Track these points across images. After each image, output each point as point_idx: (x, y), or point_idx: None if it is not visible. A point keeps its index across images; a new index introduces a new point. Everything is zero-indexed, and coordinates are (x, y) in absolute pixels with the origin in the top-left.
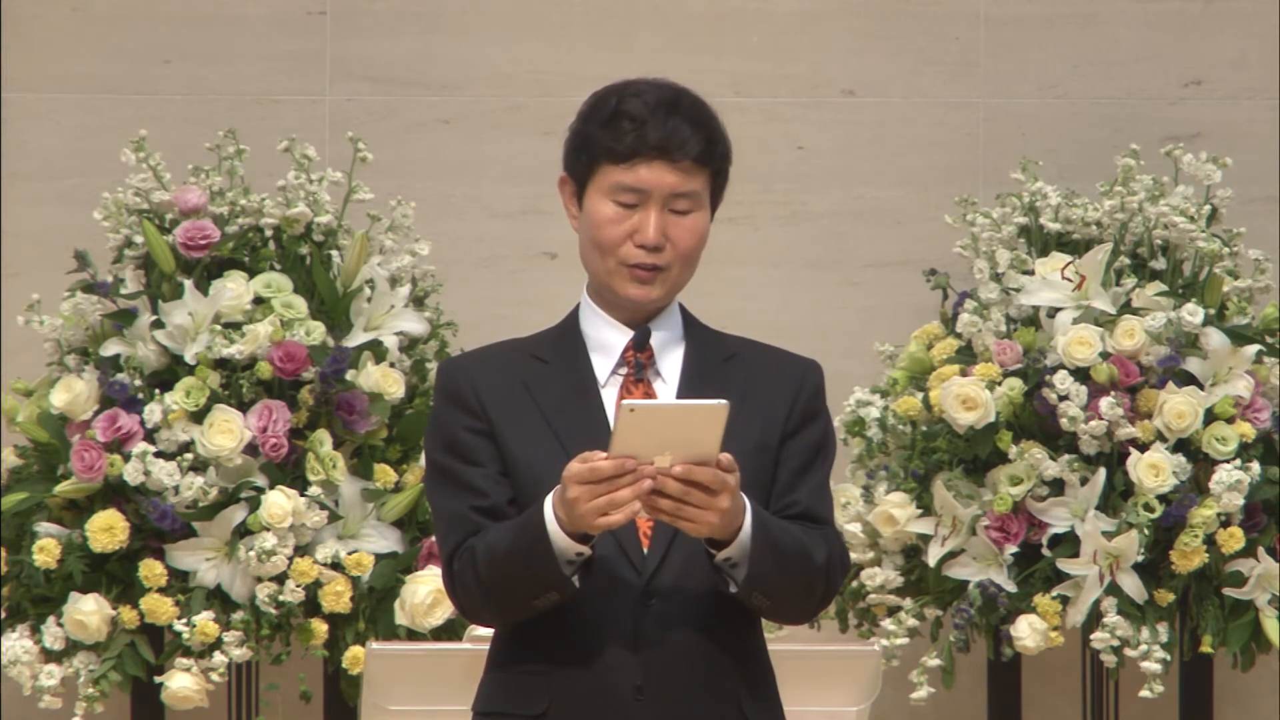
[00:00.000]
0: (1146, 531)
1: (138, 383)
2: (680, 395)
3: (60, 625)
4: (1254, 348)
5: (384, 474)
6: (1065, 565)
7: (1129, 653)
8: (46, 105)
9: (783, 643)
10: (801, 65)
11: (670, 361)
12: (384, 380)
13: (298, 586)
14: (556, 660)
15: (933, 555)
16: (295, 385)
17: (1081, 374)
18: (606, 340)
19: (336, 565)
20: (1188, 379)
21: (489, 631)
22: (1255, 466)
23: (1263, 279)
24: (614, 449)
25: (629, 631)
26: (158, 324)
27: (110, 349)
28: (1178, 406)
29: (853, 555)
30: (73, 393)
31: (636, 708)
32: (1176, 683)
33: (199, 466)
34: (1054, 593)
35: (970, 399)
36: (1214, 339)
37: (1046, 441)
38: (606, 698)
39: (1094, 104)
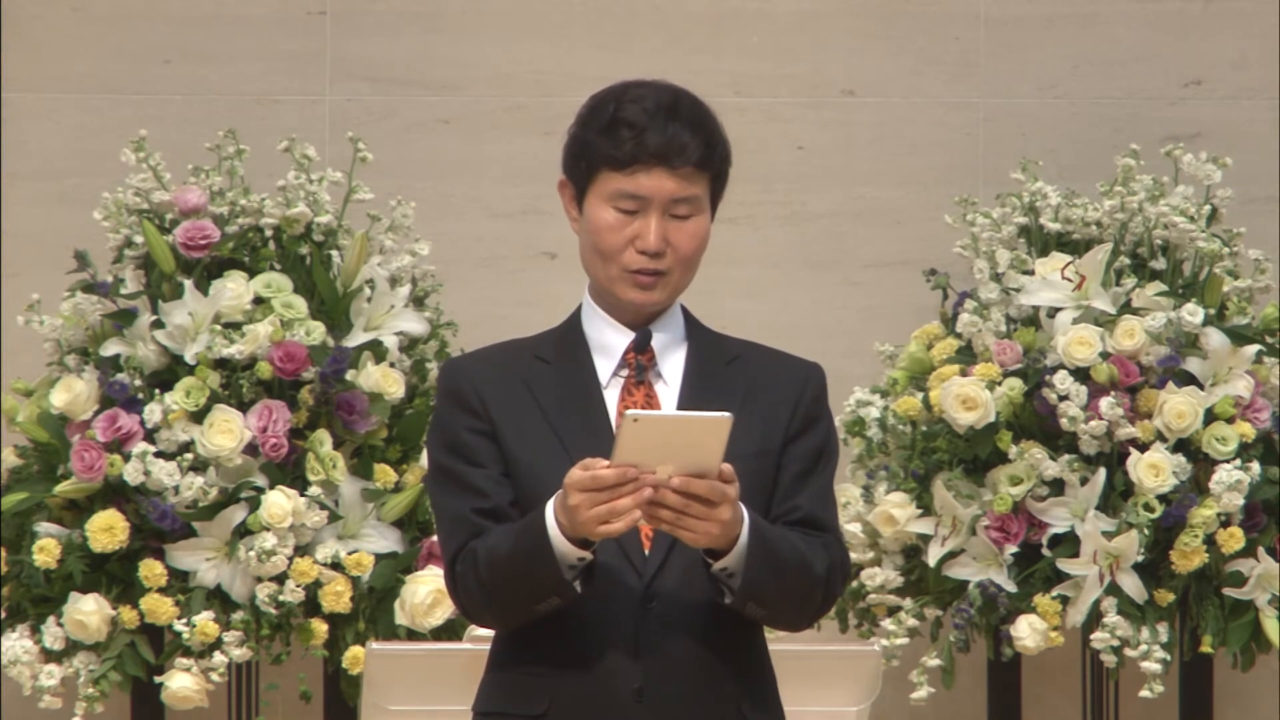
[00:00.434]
0: (1146, 531)
1: (138, 383)
2: (681, 397)
3: (60, 625)
4: (1254, 348)
5: (384, 474)
6: (1065, 565)
7: (1129, 653)
8: (46, 105)
9: (783, 643)
10: (801, 65)
11: (672, 364)
12: (384, 380)
13: (298, 586)
14: (557, 661)
15: (933, 555)
16: (295, 385)
17: (1081, 374)
18: (608, 341)
19: (336, 565)
20: (1188, 379)
21: (489, 632)
22: (1255, 466)
23: (1263, 279)
24: (616, 458)
25: (629, 634)
26: (158, 324)
27: (110, 349)
28: (1178, 406)
29: (853, 555)
30: (73, 393)
31: (636, 710)
32: (1176, 683)
33: (199, 466)
34: (1054, 593)
35: (970, 399)
36: (1214, 339)
37: (1046, 441)
38: (606, 700)
39: (1094, 104)
